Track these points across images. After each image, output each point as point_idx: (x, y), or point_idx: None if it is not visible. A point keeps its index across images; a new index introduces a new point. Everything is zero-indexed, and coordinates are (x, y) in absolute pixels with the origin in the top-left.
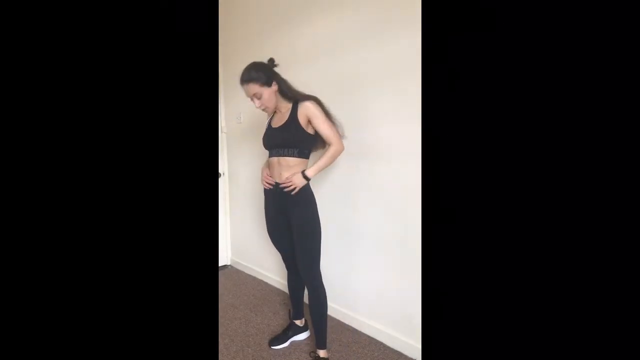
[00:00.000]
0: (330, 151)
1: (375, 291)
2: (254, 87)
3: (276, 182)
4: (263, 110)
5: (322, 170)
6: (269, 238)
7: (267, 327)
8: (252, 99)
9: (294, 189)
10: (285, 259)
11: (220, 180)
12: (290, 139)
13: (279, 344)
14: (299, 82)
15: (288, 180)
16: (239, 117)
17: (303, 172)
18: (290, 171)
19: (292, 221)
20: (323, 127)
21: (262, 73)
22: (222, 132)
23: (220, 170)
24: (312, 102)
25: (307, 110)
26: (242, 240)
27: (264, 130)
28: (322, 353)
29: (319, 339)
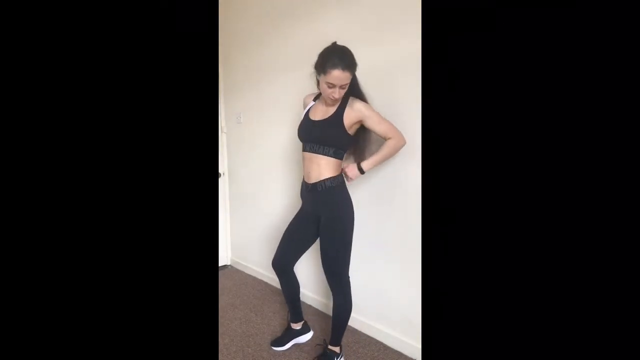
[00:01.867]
0: (390, 144)
1: (375, 291)
2: (348, 77)
3: (304, 182)
4: (329, 102)
5: (380, 163)
6: (269, 238)
7: (267, 327)
8: (332, 87)
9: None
10: (280, 254)
11: (220, 180)
12: (330, 137)
13: (279, 346)
14: (300, 82)
15: (344, 172)
16: (239, 117)
17: (359, 164)
18: (319, 171)
19: (323, 221)
20: (380, 126)
21: (355, 61)
22: (222, 132)
23: (220, 170)
24: (364, 103)
25: (358, 113)
26: (242, 240)
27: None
28: (335, 348)
29: (335, 338)
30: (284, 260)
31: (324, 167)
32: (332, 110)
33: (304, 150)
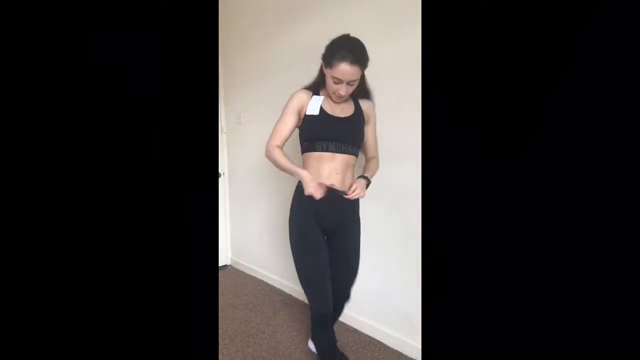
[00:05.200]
0: (375, 165)
1: (375, 291)
2: (357, 73)
3: (334, 190)
4: (335, 98)
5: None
6: (269, 238)
7: (267, 327)
8: (338, 82)
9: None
10: (326, 296)
11: (220, 180)
12: (360, 135)
13: None
14: (300, 81)
15: (353, 190)
16: (239, 117)
17: (366, 177)
18: (352, 174)
19: (342, 234)
20: (373, 137)
21: (366, 55)
22: (222, 132)
23: (220, 170)
24: (370, 103)
25: (370, 111)
26: (242, 240)
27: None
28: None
29: None
30: (330, 305)
31: (352, 171)
32: (351, 105)
33: (325, 150)
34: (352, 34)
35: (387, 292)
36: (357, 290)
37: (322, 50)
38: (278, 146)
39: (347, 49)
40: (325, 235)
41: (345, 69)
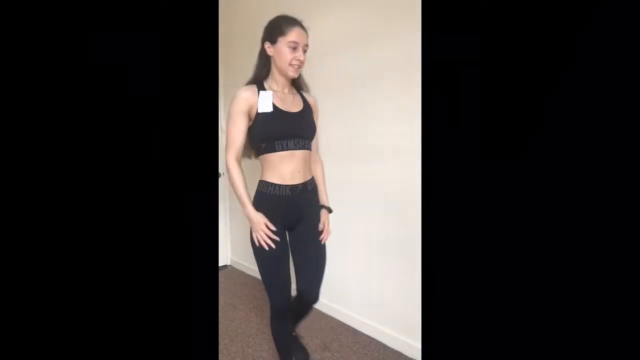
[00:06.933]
0: (321, 168)
1: (375, 291)
2: (307, 39)
3: (289, 186)
4: (292, 71)
5: None
6: None
7: (267, 327)
8: (295, 48)
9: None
10: (287, 293)
11: (220, 180)
12: (314, 128)
13: None
14: None
15: (327, 230)
16: None
17: (326, 207)
18: (308, 168)
19: (305, 227)
20: (316, 131)
21: None
22: (222, 132)
23: (220, 170)
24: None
25: (315, 104)
26: (242, 240)
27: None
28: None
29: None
30: (286, 302)
31: (309, 165)
32: (299, 98)
33: (284, 148)
34: (353, 34)
35: (387, 292)
36: (357, 290)
37: (322, 50)
38: (236, 159)
39: (291, 18)
40: (285, 230)
41: (300, 31)
